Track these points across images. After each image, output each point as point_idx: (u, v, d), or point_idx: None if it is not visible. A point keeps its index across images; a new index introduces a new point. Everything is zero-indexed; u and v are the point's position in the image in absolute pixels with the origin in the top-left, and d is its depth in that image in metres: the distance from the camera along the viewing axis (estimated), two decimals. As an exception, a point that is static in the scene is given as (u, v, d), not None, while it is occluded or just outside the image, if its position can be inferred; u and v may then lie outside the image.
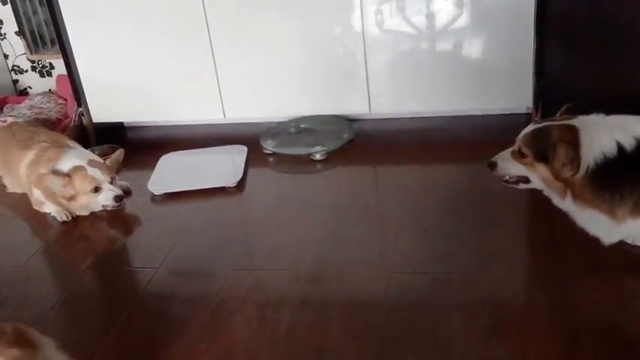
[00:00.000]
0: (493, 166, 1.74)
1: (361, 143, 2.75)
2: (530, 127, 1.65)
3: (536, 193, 1.74)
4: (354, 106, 2.79)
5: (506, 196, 2.09)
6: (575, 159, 1.50)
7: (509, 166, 1.70)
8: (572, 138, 1.53)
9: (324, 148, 2.65)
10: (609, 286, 1.67)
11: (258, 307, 1.75)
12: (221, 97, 2.86)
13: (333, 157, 2.64)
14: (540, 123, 1.64)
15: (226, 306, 1.76)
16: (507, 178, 1.75)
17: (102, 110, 2.99)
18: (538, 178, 1.64)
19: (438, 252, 1.89)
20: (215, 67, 2.79)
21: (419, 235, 1.99)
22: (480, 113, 2.80)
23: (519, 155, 1.66)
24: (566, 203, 1.61)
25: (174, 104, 2.93)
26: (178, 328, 1.69)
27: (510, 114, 2.74)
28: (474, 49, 2.59)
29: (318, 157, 2.63)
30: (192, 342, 1.63)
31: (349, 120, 2.89)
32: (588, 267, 1.74)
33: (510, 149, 1.70)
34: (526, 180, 1.70)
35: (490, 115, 2.78)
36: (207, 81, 2.82)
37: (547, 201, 1.71)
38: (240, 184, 2.48)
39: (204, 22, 2.70)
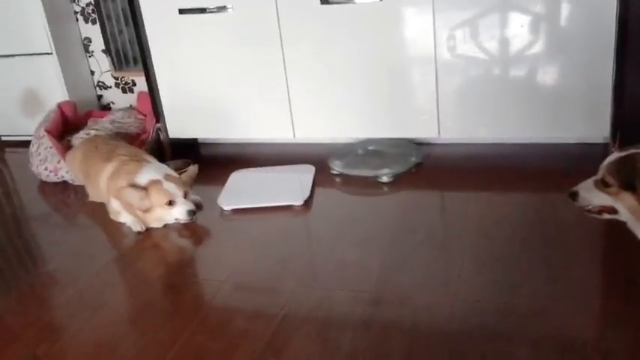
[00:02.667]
0: (575, 195, 1.68)
1: (429, 167, 2.73)
2: (615, 156, 1.60)
3: (612, 228, 1.67)
4: (423, 129, 2.78)
5: (581, 229, 2.02)
6: None
7: (592, 196, 1.64)
8: None
9: (391, 171, 2.65)
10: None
11: (321, 326, 1.76)
12: (292, 118, 2.92)
13: (400, 180, 2.63)
14: (624, 151, 1.59)
15: (289, 323, 1.78)
16: (590, 207, 1.68)
17: (178, 126, 3.12)
18: (624, 207, 1.58)
19: (505, 282, 1.85)
20: (287, 88, 2.86)
21: (485, 264, 1.96)
22: (553, 142, 2.73)
23: (603, 185, 1.61)
24: None
25: (246, 123, 3.01)
26: (241, 343, 1.71)
27: (586, 144, 2.66)
28: (548, 75, 2.54)
29: (384, 179, 2.63)
30: (253, 357, 1.65)
31: (417, 144, 2.88)
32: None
33: (592, 178, 1.64)
34: (612, 210, 1.63)
35: (564, 144, 2.71)
36: (279, 101, 2.89)
37: (625, 237, 1.64)
38: (307, 203, 2.51)
39: (279, 44, 2.78)
